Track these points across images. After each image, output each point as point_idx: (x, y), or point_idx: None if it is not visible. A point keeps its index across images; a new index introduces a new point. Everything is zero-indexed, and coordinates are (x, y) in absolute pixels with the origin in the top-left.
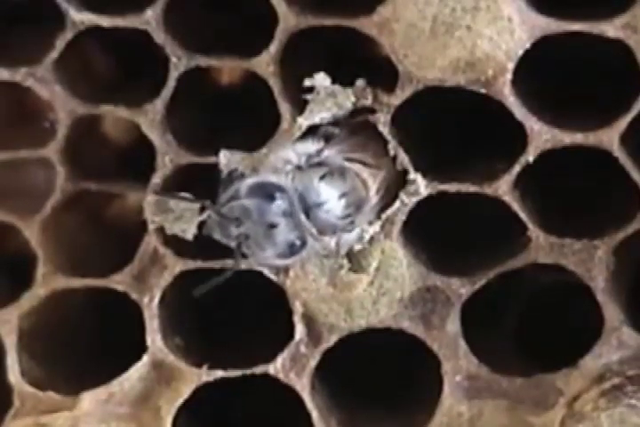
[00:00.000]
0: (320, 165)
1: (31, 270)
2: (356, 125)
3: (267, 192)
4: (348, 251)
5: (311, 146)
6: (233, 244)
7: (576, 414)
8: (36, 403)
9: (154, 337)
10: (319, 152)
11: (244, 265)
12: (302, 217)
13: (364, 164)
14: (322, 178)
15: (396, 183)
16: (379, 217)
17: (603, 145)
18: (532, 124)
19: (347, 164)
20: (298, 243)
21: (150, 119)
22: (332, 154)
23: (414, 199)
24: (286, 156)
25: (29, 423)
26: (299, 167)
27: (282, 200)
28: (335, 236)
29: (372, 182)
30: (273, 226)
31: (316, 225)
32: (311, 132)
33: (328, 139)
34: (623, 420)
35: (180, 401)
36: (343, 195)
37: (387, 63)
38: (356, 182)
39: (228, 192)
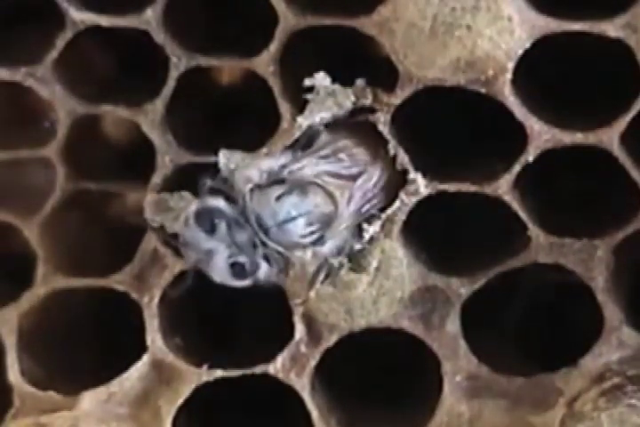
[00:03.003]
0: (280, 182)
1: (31, 270)
2: (348, 128)
3: (209, 218)
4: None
5: (275, 162)
6: (192, 266)
7: (576, 413)
8: (35, 403)
9: (154, 337)
10: (283, 168)
11: None
12: (262, 237)
13: (336, 175)
14: (278, 198)
15: (393, 183)
16: (368, 222)
17: (603, 145)
18: (532, 124)
19: (311, 179)
20: (247, 265)
21: (150, 119)
22: (296, 168)
23: (414, 199)
24: (249, 174)
25: (29, 423)
26: (258, 186)
27: (220, 224)
28: (307, 250)
29: (340, 195)
30: (212, 253)
31: (280, 244)
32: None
33: (312, 140)
34: (623, 420)
35: (180, 401)
36: (301, 214)
37: (387, 63)
38: (319, 199)
39: (181, 219)
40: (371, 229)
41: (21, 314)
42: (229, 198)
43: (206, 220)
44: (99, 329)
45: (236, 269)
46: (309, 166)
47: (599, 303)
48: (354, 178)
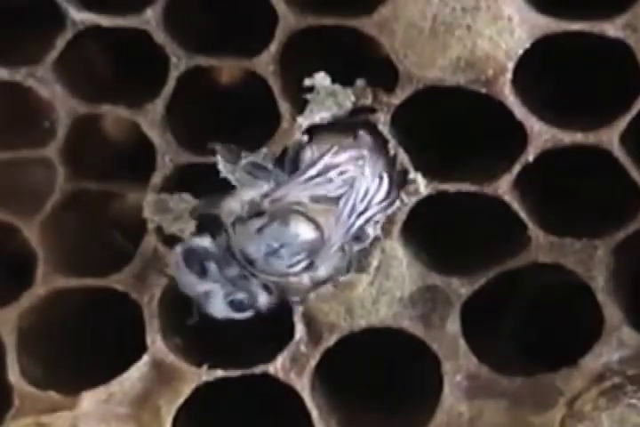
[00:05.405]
0: (260, 214)
1: (31, 270)
2: (336, 135)
3: (198, 259)
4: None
5: (257, 192)
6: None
7: (576, 413)
8: (35, 403)
9: (154, 337)
10: (265, 197)
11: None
12: (251, 269)
13: (321, 199)
14: (259, 230)
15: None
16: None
17: (603, 144)
18: (532, 124)
19: (292, 207)
20: (246, 300)
21: (150, 119)
22: (279, 196)
23: (414, 199)
24: (231, 206)
25: (29, 423)
26: (240, 219)
27: (210, 265)
28: (302, 276)
29: (325, 220)
30: (208, 294)
31: (270, 274)
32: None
33: (298, 155)
34: (623, 419)
35: (180, 401)
36: (283, 245)
37: (387, 63)
38: (301, 227)
39: (172, 261)
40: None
41: (21, 314)
42: (215, 234)
43: (195, 262)
44: (98, 329)
45: (236, 305)
46: (294, 192)
47: (599, 303)
48: (338, 198)
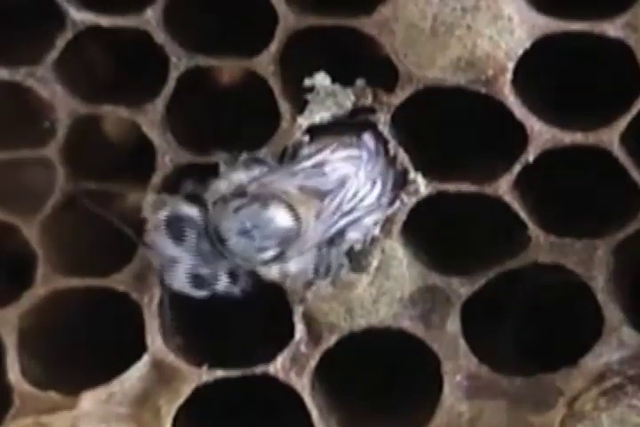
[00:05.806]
0: (242, 195)
1: (31, 270)
2: (336, 136)
3: (180, 225)
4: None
5: (247, 175)
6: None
7: (576, 413)
8: (36, 403)
9: (154, 337)
10: (253, 181)
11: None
12: (221, 249)
13: (309, 191)
14: (236, 210)
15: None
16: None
17: (603, 145)
18: (533, 124)
19: (276, 193)
20: (208, 277)
21: (150, 119)
22: (267, 181)
23: (414, 199)
24: (219, 186)
25: (29, 423)
26: (223, 197)
27: (190, 233)
28: (271, 266)
29: (305, 212)
30: (175, 261)
31: (238, 256)
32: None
33: (297, 151)
34: (623, 419)
35: (180, 401)
36: (257, 227)
37: (387, 63)
38: (280, 214)
39: (152, 221)
40: (353, 237)
41: (21, 314)
42: (202, 208)
43: (176, 227)
44: (99, 329)
45: (196, 280)
46: (282, 180)
47: (599, 303)
48: (327, 194)
